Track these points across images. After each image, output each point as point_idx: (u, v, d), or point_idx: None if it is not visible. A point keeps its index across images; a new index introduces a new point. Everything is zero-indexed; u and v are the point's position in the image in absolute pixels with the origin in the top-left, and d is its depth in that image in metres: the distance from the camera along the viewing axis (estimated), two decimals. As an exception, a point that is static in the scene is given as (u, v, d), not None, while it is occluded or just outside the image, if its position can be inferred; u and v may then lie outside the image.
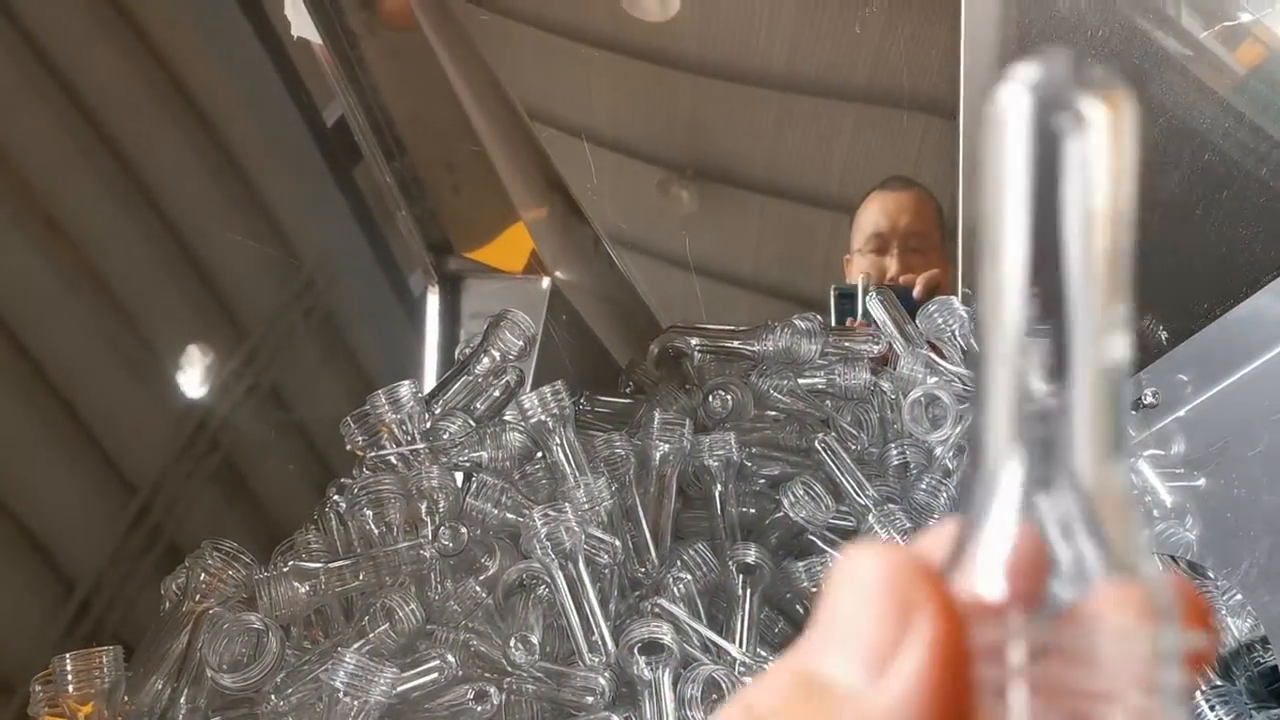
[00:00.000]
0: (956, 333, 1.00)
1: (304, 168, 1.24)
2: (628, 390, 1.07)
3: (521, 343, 0.94)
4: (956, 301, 1.01)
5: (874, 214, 1.23)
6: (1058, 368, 0.21)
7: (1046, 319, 0.21)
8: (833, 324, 1.14)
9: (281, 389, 1.08)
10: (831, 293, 1.17)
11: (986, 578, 0.20)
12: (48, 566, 0.86)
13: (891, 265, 1.20)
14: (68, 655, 0.69)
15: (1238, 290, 0.81)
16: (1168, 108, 0.92)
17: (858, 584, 0.20)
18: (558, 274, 1.32)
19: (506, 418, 0.92)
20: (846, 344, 1.01)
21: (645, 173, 1.40)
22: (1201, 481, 0.85)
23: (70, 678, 0.68)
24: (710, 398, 0.94)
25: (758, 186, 1.37)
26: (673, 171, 1.39)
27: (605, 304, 1.35)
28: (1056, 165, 0.21)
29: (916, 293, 1.15)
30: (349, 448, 0.89)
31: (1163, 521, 0.88)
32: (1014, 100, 0.22)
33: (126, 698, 0.71)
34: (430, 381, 1.21)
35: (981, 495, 0.21)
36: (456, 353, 1.03)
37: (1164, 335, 0.96)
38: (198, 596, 0.75)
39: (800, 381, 0.99)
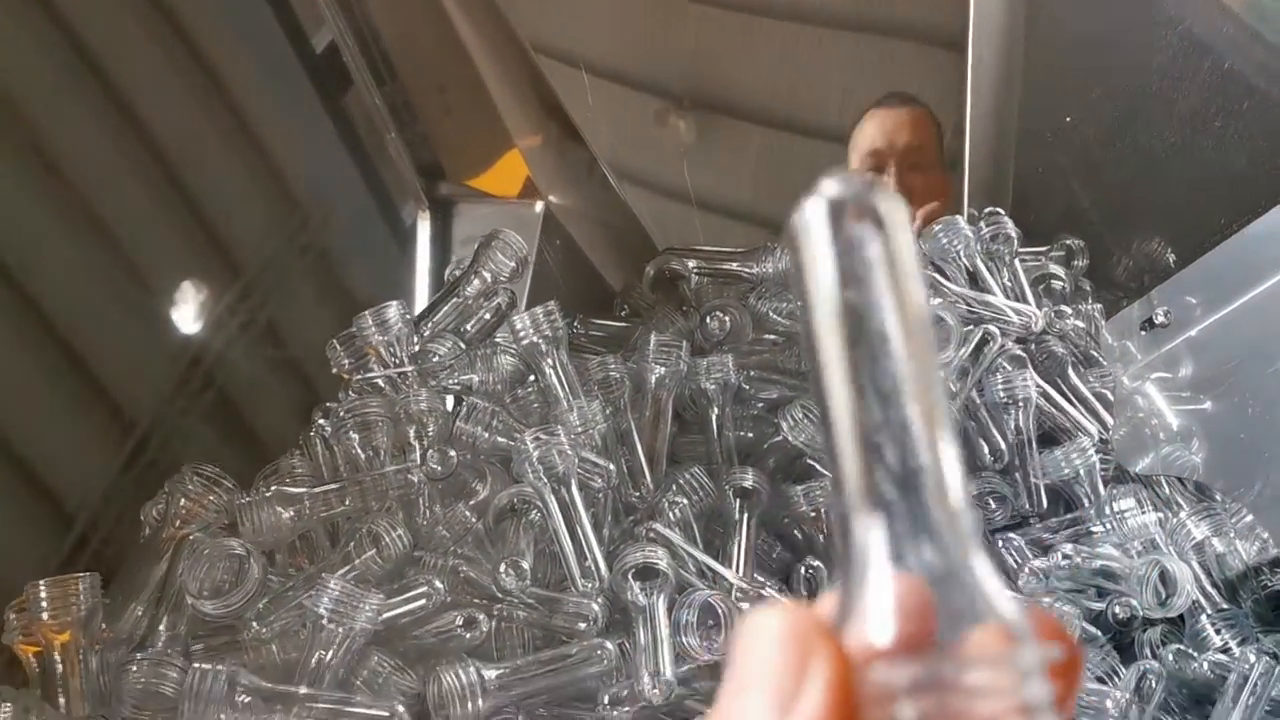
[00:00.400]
0: (961, 253, 0.97)
1: (295, 97, 1.20)
2: (623, 313, 1.04)
3: (513, 264, 0.91)
4: (962, 221, 0.98)
5: (871, 131, 1.19)
6: (900, 445, 0.24)
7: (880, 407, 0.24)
8: None
9: (277, 325, 1.06)
10: None
11: (872, 625, 0.23)
12: (45, 501, 0.84)
13: (890, 183, 1.16)
14: (42, 582, 0.66)
15: (1256, 205, 0.78)
16: (1186, 16, 0.89)
17: (763, 639, 0.22)
18: (552, 198, 1.28)
19: (498, 340, 0.89)
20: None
21: (643, 101, 1.37)
22: (1208, 404, 0.83)
23: (45, 605, 0.66)
24: (708, 320, 0.91)
25: (757, 117, 1.33)
26: (670, 101, 1.35)
27: (600, 228, 1.31)
28: (862, 263, 0.24)
29: (915, 225, 1.11)
30: (335, 370, 0.87)
31: (1168, 445, 0.86)
32: (816, 210, 0.24)
33: (104, 625, 0.69)
34: (420, 305, 1.18)
35: (857, 557, 0.24)
36: (446, 274, 0.99)
37: (1172, 257, 0.93)
38: (178, 522, 0.73)
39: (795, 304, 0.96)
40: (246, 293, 1.02)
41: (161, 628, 0.67)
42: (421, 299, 1.18)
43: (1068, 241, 1.05)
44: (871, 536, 0.24)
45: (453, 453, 0.75)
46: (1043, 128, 1.06)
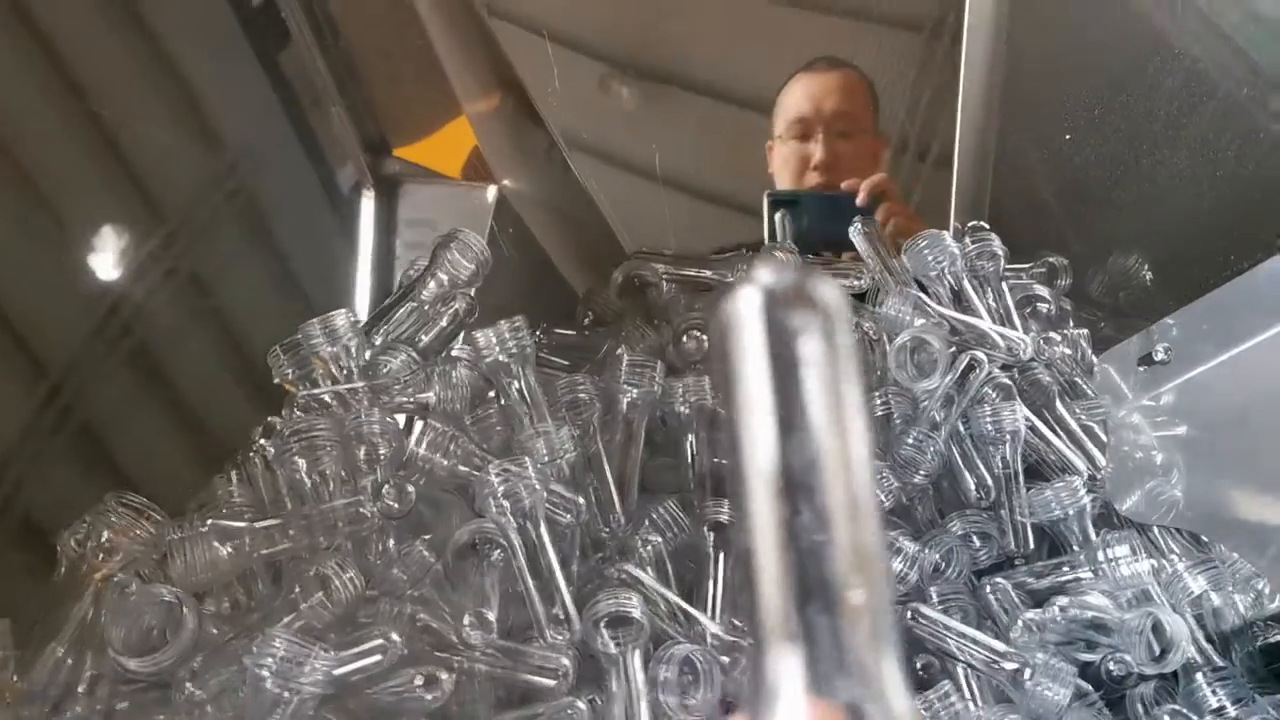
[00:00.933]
0: (946, 270, 0.92)
1: (227, 49, 1.12)
2: (587, 320, 0.97)
3: (473, 266, 0.84)
4: (948, 236, 0.93)
5: (797, 96, 1.12)
6: (824, 569, 0.22)
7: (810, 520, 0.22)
8: (766, 236, 1.04)
9: (202, 276, 1.01)
10: (765, 200, 1.07)
11: None
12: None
13: (817, 152, 1.10)
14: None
15: (1271, 241, 0.74)
16: (1193, 54, 0.84)
17: None
18: (506, 182, 1.20)
19: (455, 352, 0.82)
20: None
21: (602, 73, 1.29)
22: (1208, 447, 0.79)
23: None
24: (685, 338, 0.85)
25: (700, 88, 1.26)
26: (615, 68, 1.28)
27: (558, 216, 1.24)
28: (795, 353, 0.22)
29: (860, 199, 1.05)
30: (277, 380, 0.79)
31: (1154, 479, 0.82)
32: (749, 299, 0.23)
33: (15, 677, 0.61)
34: (362, 292, 1.11)
35: (769, 685, 0.22)
36: (399, 277, 0.92)
37: (1170, 291, 0.89)
38: (100, 556, 0.65)
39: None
40: (170, 241, 0.97)
41: (81, 688, 0.59)
42: (362, 277, 1.10)
43: (1050, 259, 1.00)
44: (784, 666, 0.22)
45: (410, 488, 0.68)
46: (1032, 142, 1.02)
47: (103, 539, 0.66)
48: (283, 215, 1.13)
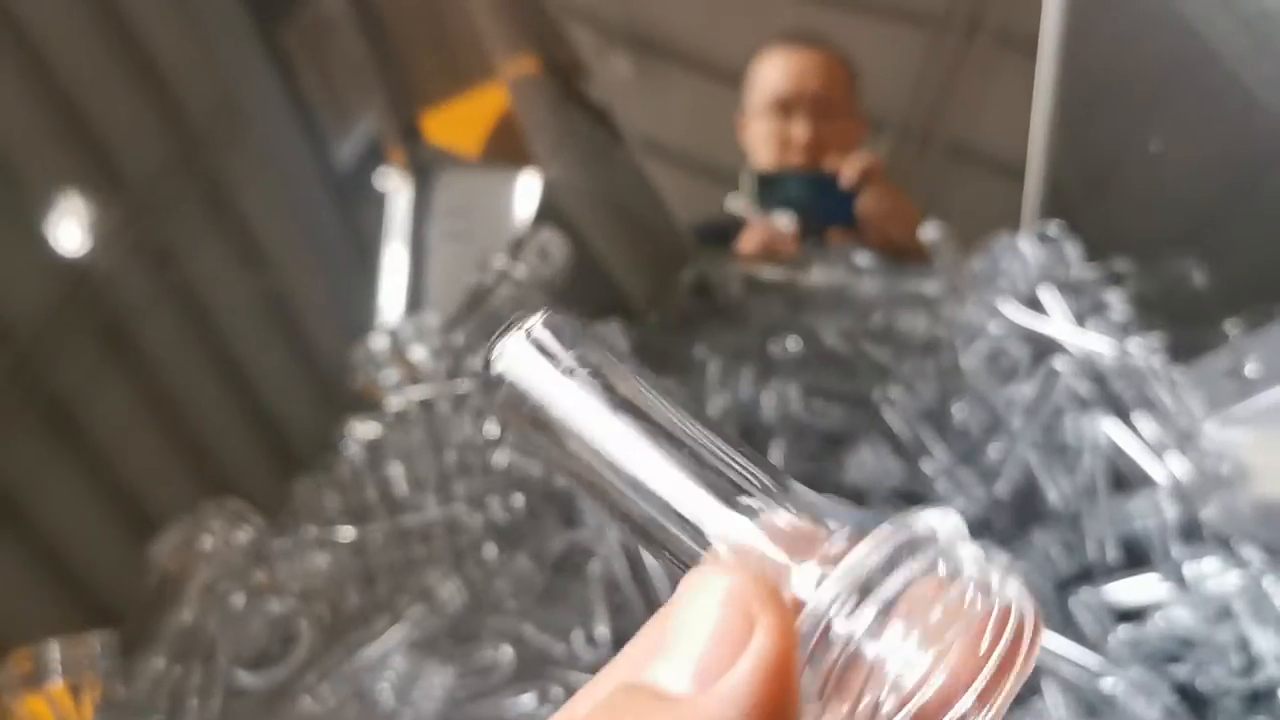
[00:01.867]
0: (1021, 277, 0.92)
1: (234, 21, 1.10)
2: (655, 322, 0.96)
3: (555, 266, 0.83)
4: (1023, 241, 0.92)
5: (775, 76, 1.11)
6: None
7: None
8: (750, 215, 1.04)
9: (170, 248, 1.00)
10: (749, 178, 1.06)
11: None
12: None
13: (800, 132, 1.09)
14: (55, 641, 0.58)
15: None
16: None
17: (704, 597, 0.20)
18: (551, 168, 1.18)
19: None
20: (906, 284, 0.91)
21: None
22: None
23: (59, 666, 0.57)
24: (772, 343, 0.84)
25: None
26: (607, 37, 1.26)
27: (605, 205, 1.22)
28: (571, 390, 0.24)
29: (846, 180, 1.04)
30: (362, 384, 0.78)
31: (1231, 490, 0.82)
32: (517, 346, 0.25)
33: (121, 686, 0.60)
34: (397, 280, 1.09)
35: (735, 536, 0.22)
36: (476, 281, 0.90)
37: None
38: (200, 564, 0.64)
39: (853, 323, 0.90)
40: (138, 213, 0.96)
41: (194, 700, 0.58)
42: (396, 265, 1.08)
43: (1118, 264, 1.00)
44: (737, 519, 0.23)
45: (520, 495, 0.67)
46: (1102, 148, 1.01)
47: (203, 545, 0.64)
48: (254, 186, 1.10)
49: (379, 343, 0.77)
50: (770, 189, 1.06)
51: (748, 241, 1.04)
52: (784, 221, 1.04)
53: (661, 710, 0.19)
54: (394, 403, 0.74)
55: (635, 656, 0.21)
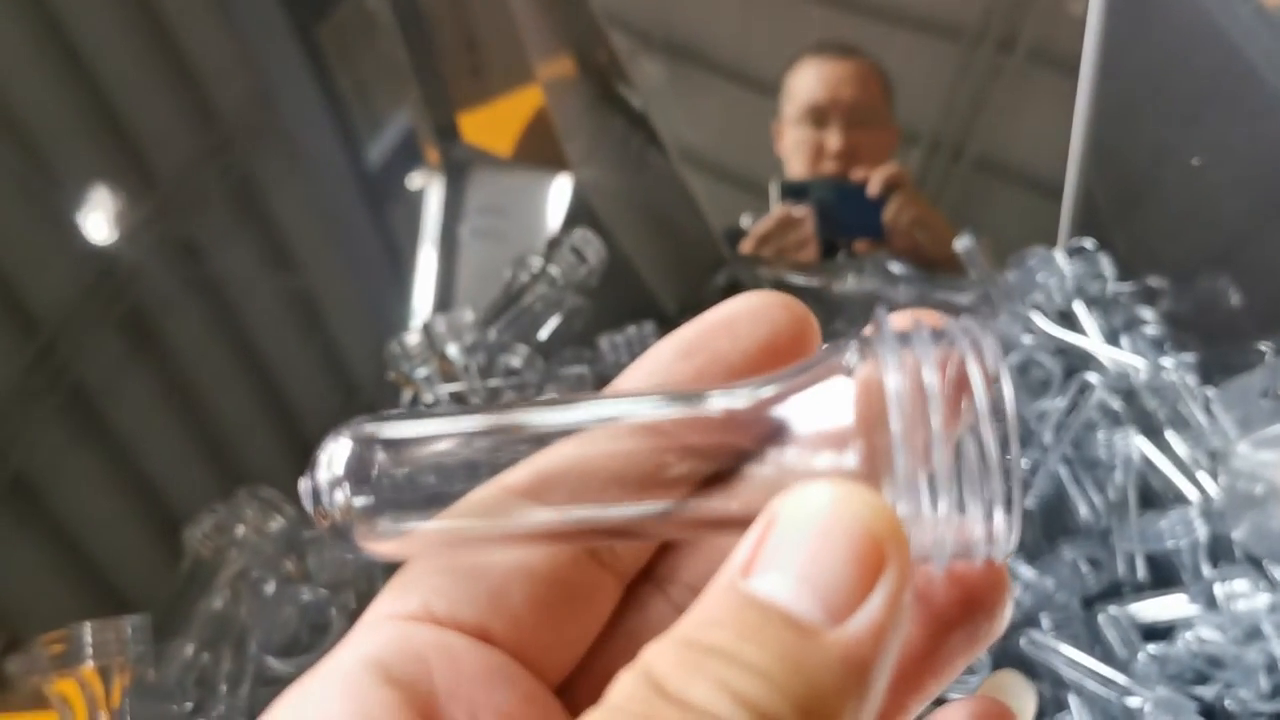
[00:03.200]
0: (1055, 291, 0.91)
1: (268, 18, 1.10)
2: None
3: (591, 264, 0.83)
4: (1058, 255, 0.92)
5: (811, 83, 1.11)
6: None
7: None
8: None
9: (198, 243, 1.00)
10: (775, 189, 1.06)
11: None
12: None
13: (833, 140, 1.08)
14: (88, 624, 0.58)
15: None
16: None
17: (830, 521, 0.19)
18: (584, 170, 1.18)
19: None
20: (939, 295, 0.91)
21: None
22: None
23: (90, 648, 0.58)
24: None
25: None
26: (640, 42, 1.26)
27: (637, 208, 1.22)
28: None
29: (872, 189, 1.04)
30: (393, 378, 0.78)
31: (1265, 508, 0.82)
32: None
33: (152, 671, 0.61)
34: (426, 278, 1.09)
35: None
36: (509, 274, 0.90)
37: None
38: (233, 551, 0.65)
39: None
40: (166, 206, 0.96)
41: (223, 687, 0.58)
42: (426, 264, 1.08)
43: (1152, 281, 0.99)
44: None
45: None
46: (1149, 156, 1.01)
47: (236, 534, 0.65)
48: (285, 186, 1.11)
49: (413, 338, 0.77)
50: (795, 196, 1.06)
51: (760, 224, 1.03)
52: (800, 210, 1.03)
53: (798, 639, 0.18)
54: (427, 398, 0.74)
55: (758, 568, 0.19)
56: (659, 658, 0.18)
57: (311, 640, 0.60)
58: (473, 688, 0.23)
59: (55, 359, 0.84)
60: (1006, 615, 0.23)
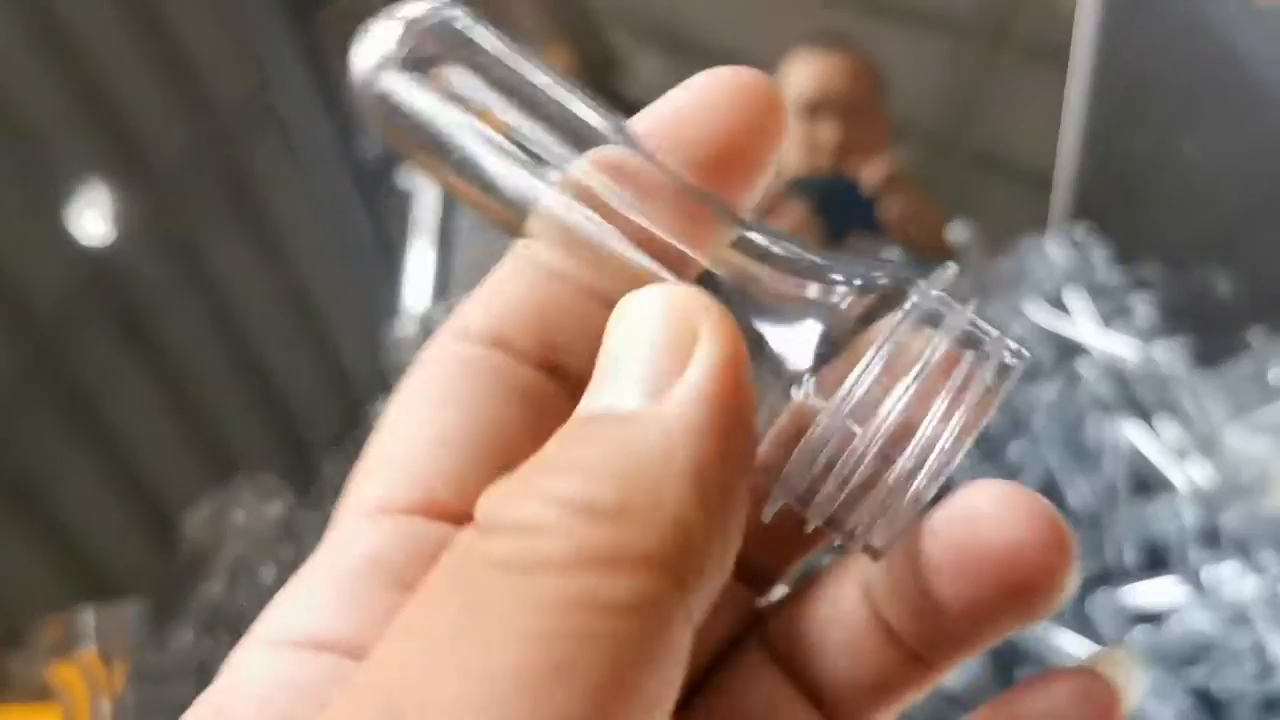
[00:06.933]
0: (1046, 279, 0.92)
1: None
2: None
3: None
4: (1050, 243, 0.93)
5: (801, 78, 1.11)
6: None
7: None
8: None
9: (193, 238, 1.02)
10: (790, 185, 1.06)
11: None
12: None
13: (827, 134, 1.09)
14: (91, 609, 0.59)
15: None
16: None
17: (640, 316, 0.18)
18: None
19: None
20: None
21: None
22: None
23: (93, 634, 0.59)
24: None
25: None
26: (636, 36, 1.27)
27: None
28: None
29: (866, 182, 1.05)
30: (388, 367, 0.79)
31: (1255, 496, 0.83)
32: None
33: (151, 654, 0.61)
34: (423, 269, 1.09)
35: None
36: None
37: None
38: (232, 538, 0.65)
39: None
40: (162, 202, 0.97)
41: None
42: (411, 255, 1.09)
43: (1144, 269, 1.00)
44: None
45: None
46: (1128, 151, 1.02)
47: (234, 520, 0.65)
48: (278, 181, 1.11)
49: (409, 328, 0.77)
50: (794, 193, 1.06)
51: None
52: (794, 205, 1.04)
53: (617, 426, 0.17)
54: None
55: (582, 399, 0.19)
56: (487, 496, 0.17)
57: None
58: None
59: (51, 356, 0.85)
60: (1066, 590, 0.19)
